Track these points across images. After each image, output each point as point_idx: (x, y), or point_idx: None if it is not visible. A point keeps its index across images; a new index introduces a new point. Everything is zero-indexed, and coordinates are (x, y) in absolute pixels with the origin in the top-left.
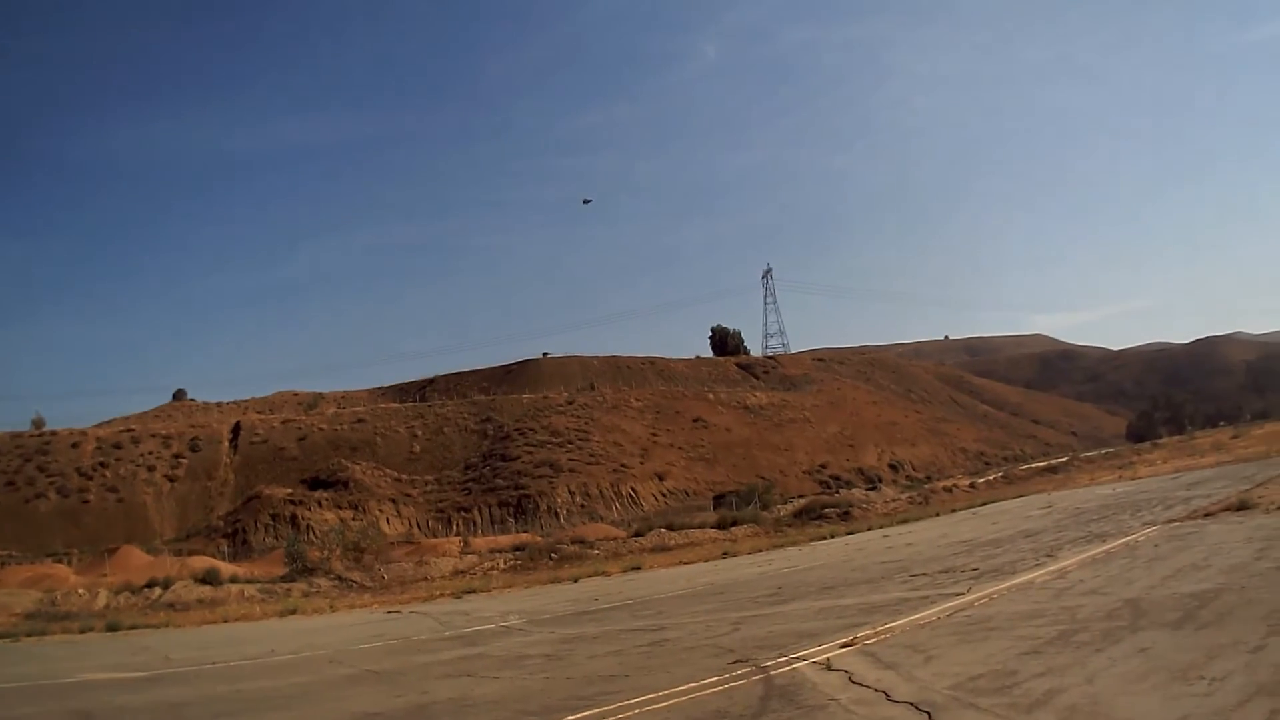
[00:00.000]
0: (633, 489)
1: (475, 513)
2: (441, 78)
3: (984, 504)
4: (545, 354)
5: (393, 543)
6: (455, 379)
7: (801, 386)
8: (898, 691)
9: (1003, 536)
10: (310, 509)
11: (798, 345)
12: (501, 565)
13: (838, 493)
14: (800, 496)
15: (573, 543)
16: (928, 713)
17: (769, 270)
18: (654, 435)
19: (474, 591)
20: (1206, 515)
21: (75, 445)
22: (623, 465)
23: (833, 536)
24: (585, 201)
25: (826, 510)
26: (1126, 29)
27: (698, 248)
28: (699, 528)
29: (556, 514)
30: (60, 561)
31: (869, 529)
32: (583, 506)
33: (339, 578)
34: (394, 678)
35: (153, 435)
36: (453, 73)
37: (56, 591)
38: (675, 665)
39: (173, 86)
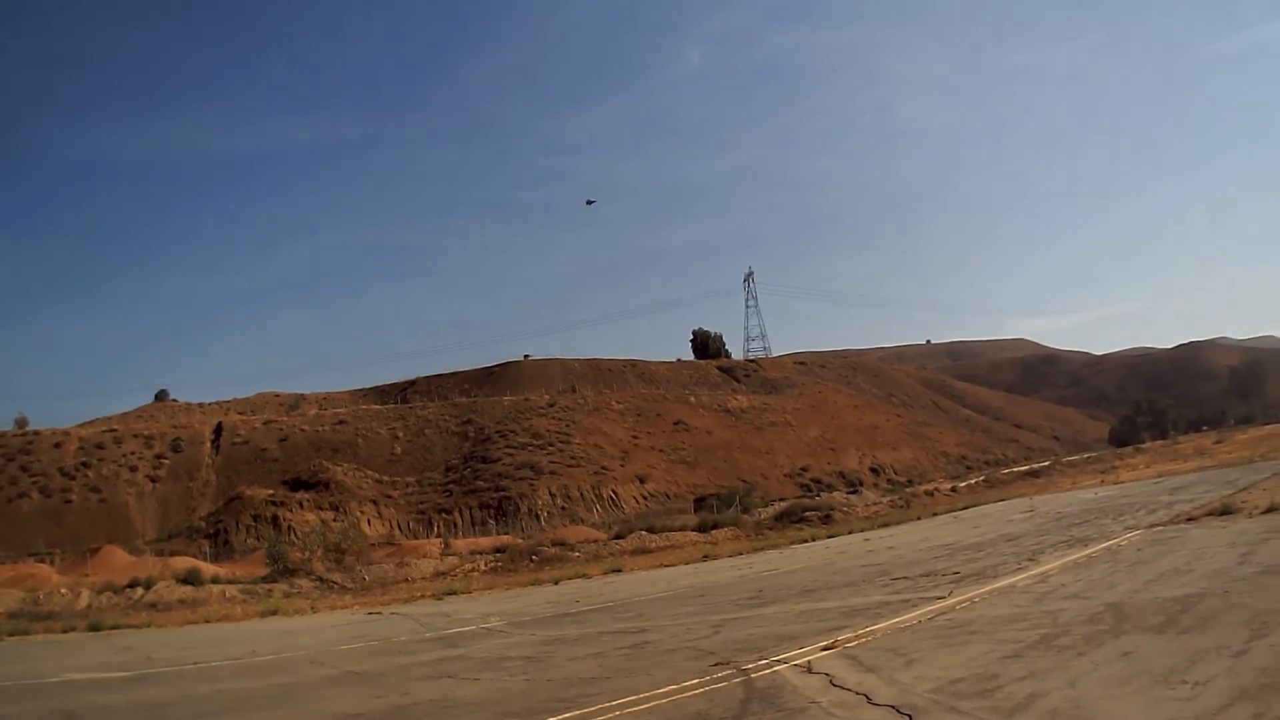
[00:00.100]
0: (614, 491)
1: (456, 514)
2: (424, 79)
3: (965, 508)
4: (526, 356)
5: (374, 544)
6: (436, 381)
7: (783, 390)
8: (879, 694)
9: (984, 540)
10: (292, 510)
11: (779, 348)
12: (482, 567)
13: (819, 496)
14: (781, 499)
15: (553, 545)
16: (909, 715)
17: (750, 273)
18: (635, 438)
19: (455, 593)
20: (1189, 520)
21: (58, 445)
22: (603, 468)
23: (814, 540)
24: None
25: (807, 513)
26: (1111, 33)
27: (680, 250)
28: (680, 530)
29: (537, 516)
30: (43, 561)
31: (850, 532)
32: (563, 509)
33: (320, 579)
34: (375, 679)
35: (135, 435)
36: (435, 74)
37: (39, 591)
38: (656, 667)
39: (156, 88)
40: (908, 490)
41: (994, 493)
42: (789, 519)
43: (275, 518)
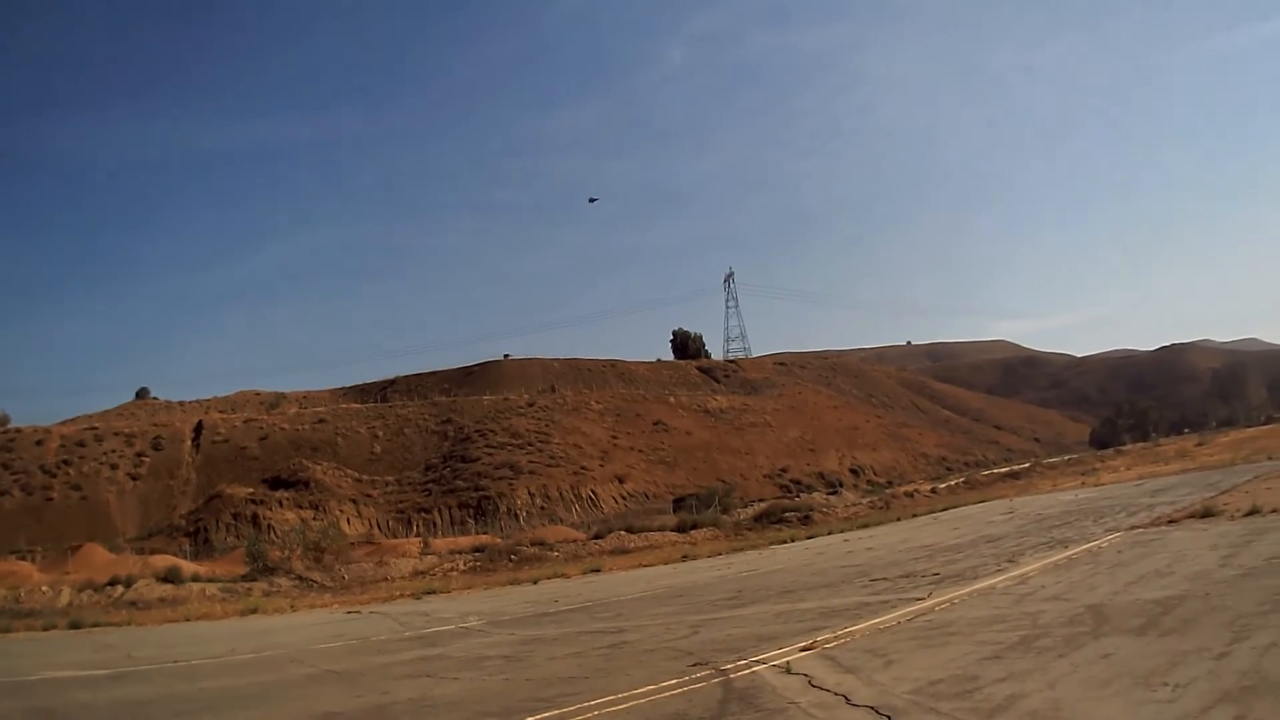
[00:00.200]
0: (593, 491)
1: (435, 514)
2: (406, 79)
3: (945, 509)
4: (506, 356)
5: (353, 543)
6: (416, 380)
7: (762, 390)
8: (858, 695)
9: (964, 542)
10: (271, 509)
11: (759, 349)
12: (461, 566)
13: (798, 497)
14: (760, 500)
15: (532, 544)
16: (888, 716)
17: (731, 274)
18: (614, 438)
19: (434, 592)
20: (1170, 522)
21: (39, 443)
22: (583, 468)
23: (793, 540)
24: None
25: (787, 514)
26: (1092, 36)
27: (661, 250)
28: (659, 530)
29: (516, 516)
30: (24, 559)
31: (829, 533)
32: (543, 508)
33: (299, 577)
34: (354, 678)
35: (116, 433)
36: (417, 74)
37: (20, 589)
38: (634, 667)
39: (135, 85)
40: (887, 491)
41: (974, 494)
42: (768, 520)
43: (255, 516)
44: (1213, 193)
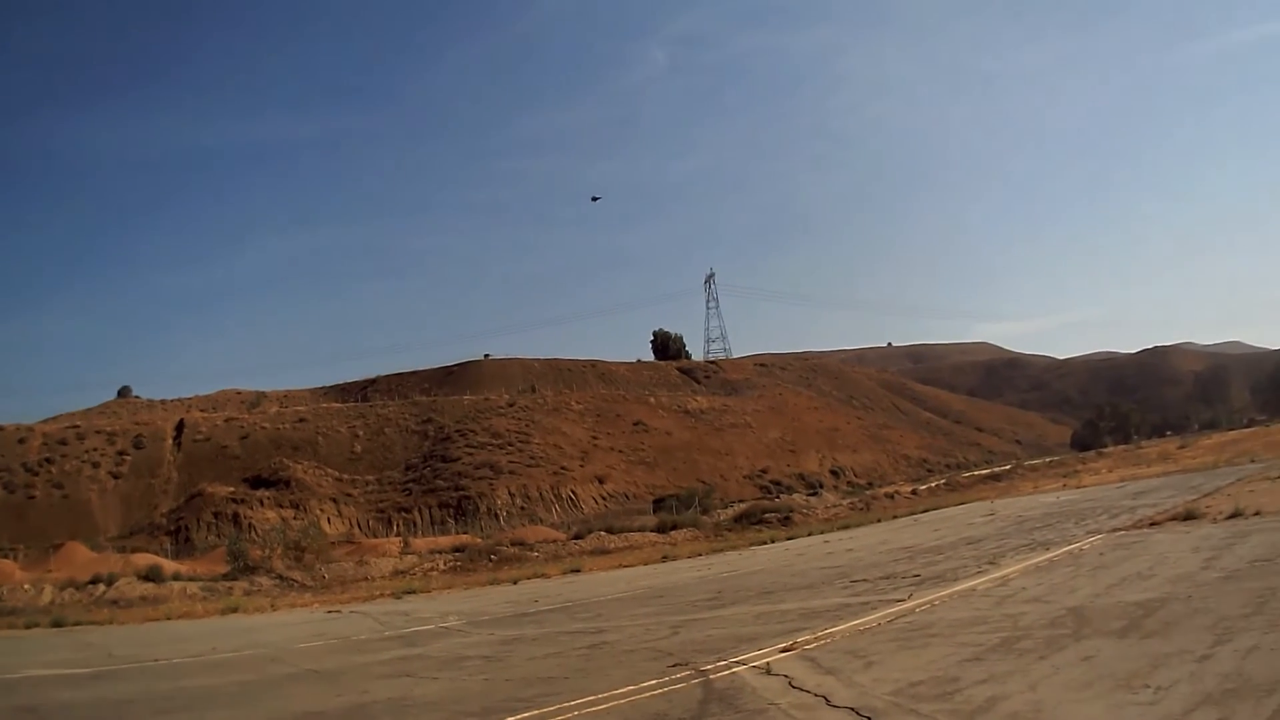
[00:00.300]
0: (573, 491)
1: (415, 513)
2: (390, 79)
3: (926, 511)
4: (487, 356)
5: (333, 542)
6: (397, 380)
7: (743, 391)
8: (838, 696)
9: (945, 543)
10: (252, 507)
11: (740, 350)
12: (441, 566)
13: (778, 498)
14: (741, 501)
15: (512, 544)
16: (868, 717)
17: (712, 275)
18: (594, 438)
19: (414, 592)
20: (1152, 524)
21: (22, 441)
22: (563, 468)
23: (773, 541)
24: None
25: (767, 515)
26: (1081, 40)
27: (642, 251)
28: (639, 531)
29: (496, 515)
30: (6, 557)
31: (810, 534)
32: (523, 508)
33: (280, 576)
34: (334, 677)
35: (98, 432)
36: (401, 74)
37: (2, 587)
38: (614, 668)
39: (116, 85)
40: (868, 493)
41: (955, 496)
42: (748, 520)
43: (236, 515)
44: (1195, 195)
